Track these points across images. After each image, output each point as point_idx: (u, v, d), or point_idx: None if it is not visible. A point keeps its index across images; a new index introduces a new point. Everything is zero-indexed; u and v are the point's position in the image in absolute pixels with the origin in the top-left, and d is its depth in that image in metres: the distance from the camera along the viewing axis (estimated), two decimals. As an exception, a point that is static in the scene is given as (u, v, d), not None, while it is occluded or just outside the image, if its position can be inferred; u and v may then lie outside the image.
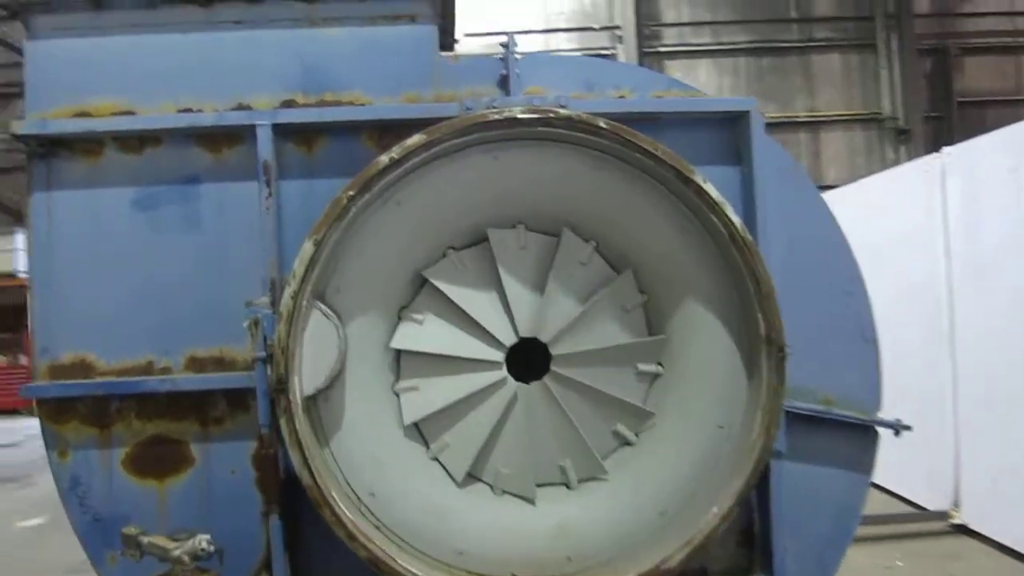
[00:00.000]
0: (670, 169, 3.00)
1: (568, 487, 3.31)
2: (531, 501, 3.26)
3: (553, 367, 3.27)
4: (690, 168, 3.02)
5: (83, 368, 3.27)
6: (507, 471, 3.27)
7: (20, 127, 3.18)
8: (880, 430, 3.50)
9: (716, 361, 3.21)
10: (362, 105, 3.32)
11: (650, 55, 18.36)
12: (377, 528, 3.05)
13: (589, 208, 3.23)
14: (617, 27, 18.40)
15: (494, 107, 3.11)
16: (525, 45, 3.48)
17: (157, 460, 3.29)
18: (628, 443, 3.33)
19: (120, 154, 3.30)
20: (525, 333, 3.25)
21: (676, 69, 18.29)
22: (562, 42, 18.78)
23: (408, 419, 3.21)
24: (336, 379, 3.04)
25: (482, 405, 3.24)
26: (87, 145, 3.28)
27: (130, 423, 3.28)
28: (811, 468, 3.44)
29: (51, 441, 3.28)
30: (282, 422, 2.88)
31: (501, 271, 3.24)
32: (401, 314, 3.25)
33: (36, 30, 3.29)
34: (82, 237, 3.27)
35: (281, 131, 3.25)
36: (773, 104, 17.79)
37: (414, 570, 2.91)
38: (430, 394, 3.23)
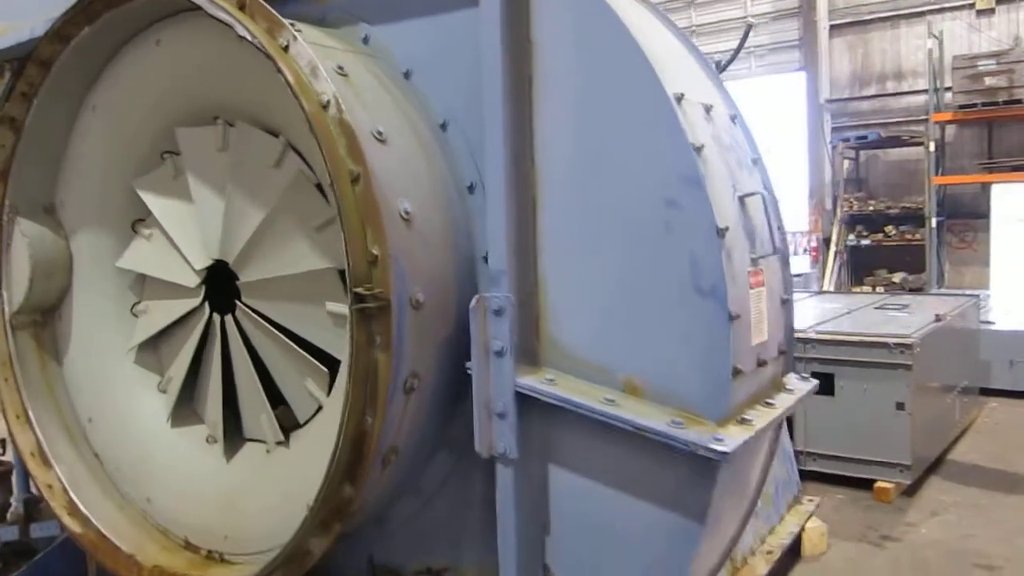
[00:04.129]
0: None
1: (269, 451, 2.63)
2: (223, 459, 2.68)
3: (242, 298, 2.59)
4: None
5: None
6: (213, 417, 2.74)
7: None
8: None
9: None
10: None
11: None
12: (96, 457, 2.88)
13: (266, 97, 2.41)
14: None
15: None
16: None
17: None
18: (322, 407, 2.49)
19: None
20: (216, 255, 2.62)
21: None
22: None
23: (132, 342, 2.89)
24: (58, 299, 2.90)
25: (190, 338, 2.75)
26: None
27: None
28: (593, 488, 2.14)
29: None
30: (-6, 334, 2.89)
31: (190, 179, 2.64)
32: (136, 228, 2.91)
33: None
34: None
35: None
36: None
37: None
38: (153, 318, 2.86)
